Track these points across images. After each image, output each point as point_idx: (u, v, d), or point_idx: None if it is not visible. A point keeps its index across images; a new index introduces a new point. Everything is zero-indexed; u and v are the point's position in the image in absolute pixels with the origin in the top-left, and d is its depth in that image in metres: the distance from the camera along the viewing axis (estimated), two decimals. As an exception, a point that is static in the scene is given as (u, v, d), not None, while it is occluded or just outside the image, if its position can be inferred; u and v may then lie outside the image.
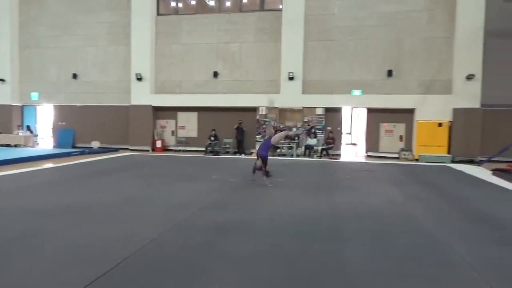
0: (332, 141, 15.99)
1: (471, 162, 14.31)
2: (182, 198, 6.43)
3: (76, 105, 19.07)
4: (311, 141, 16.10)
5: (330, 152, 15.79)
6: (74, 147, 18.36)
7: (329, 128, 16.55)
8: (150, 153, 16.94)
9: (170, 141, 18.49)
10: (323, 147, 15.82)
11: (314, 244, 4.14)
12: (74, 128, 19.07)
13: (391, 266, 3.57)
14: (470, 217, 5.53)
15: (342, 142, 17.89)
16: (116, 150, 17.40)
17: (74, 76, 18.93)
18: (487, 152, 14.10)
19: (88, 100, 18.90)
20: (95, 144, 18.10)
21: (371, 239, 4.39)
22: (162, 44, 18.15)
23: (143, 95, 17.90)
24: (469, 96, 15.01)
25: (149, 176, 9.19)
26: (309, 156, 15.78)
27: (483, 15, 14.72)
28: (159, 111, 18.42)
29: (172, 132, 18.57)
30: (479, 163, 13.65)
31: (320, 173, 10.10)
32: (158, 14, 18.24)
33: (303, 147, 16.24)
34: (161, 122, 18.60)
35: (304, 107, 16.71)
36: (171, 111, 18.32)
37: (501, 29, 14.92)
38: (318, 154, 15.76)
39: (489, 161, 13.15)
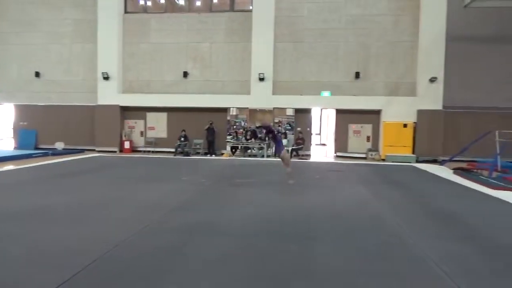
0: (302, 142, 16.18)
1: (434, 161, 14.88)
2: (151, 200, 6.31)
3: (38, 105, 18.32)
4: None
5: (300, 152, 15.97)
6: (36, 148, 17.63)
7: (299, 128, 16.74)
8: (118, 154, 16.53)
9: (139, 142, 18.12)
10: (293, 147, 15.98)
11: (285, 244, 4.17)
12: (36, 129, 18.31)
13: (359, 264, 3.64)
14: (434, 214, 5.75)
15: (311, 142, 18.15)
16: (81, 151, 16.86)
17: (37, 74, 18.19)
18: (449, 152, 14.70)
19: (51, 99, 18.20)
20: (59, 145, 17.45)
21: (340, 237, 4.47)
22: (130, 43, 17.76)
23: (110, 95, 17.44)
24: (432, 98, 15.62)
25: (117, 177, 8.96)
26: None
27: (445, 21, 15.36)
28: (127, 111, 18.01)
29: (141, 132, 18.20)
30: (441, 162, 14.21)
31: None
32: (126, 12, 17.84)
33: (273, 148, 16.33)
34: (130, 122, 18.19)
35: (274, 108, 16.83)
36: (140, 111, 17.96)
37: (461, 34, 15.63)
38: (288, 154, 15.88)
39: (450, 160, 13.71)
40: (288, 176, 8.40)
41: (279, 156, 8.51)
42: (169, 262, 3.59)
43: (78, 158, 13.36)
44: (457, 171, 11.03)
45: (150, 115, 18.10)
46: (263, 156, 15.58)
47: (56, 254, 3.74)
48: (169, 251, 3.89)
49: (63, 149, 17.22)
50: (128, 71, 17.86)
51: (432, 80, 15.48)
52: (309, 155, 16.84)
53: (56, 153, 15.55)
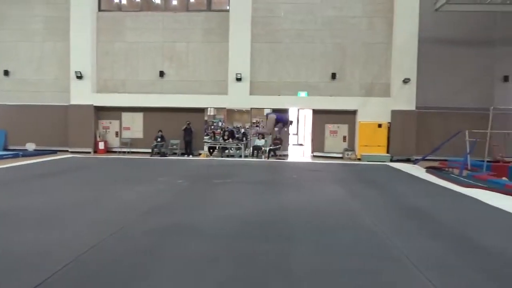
0: (280, 142, 16.27)
1: (408, 160, 15.26)
2: (126, 202, 6.19)
3: (7, 104, 17.67)
4: (259, 142, 16.26)
5: (278, 152, 16.05)
6: (6, 149, 16.99)
7: (276, 129, 16.81)
8: (92, 155, 16.16)
9: (114, 142, 17.76)
10: (271, 147, 16.05)
11: (262, 244, 4.18)
12: (6, 129, 17.65)
13: (335, 262, 3.69)
14: (407, 212, 5.89)
15: (289, 142, 18.27)
16: (54, 152, 16.37)
17: (6, 73, 17.56)
18: (422, 151, 15.12)
19: (22, 99, 17.60)
20: (30, 146, 16.88)
21: (318, 236, 4.51)
22: (104, 41, 17.39)
23: (83, 94, 17.01)
24: (405, 98, 16.02)
25: (91, 179, 8.75)
26: (257, 156, 15.94)
27: (417, 24, 15.79)
28: (102, 111, 17.62)
29: (116, 133, 17.85)
30: (414, 161, 14.59)
31: (268, 173, 10.23)
32: (100, 9, 17.47)
33: (251, 148, 16.38)
34: (104, 122, 17.81)
35: (252, 108, 16.85)
36: (115, 111, 17.61)
37: (432, 36, 16.11)
38: (266, 154, 15.96)
39: (423, 159, 14.09)
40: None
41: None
42: (145, 265, 3.53)
43: (51, 159, 12.97)
44: (430, 169, 11.35)
45: (125, 115, 17.78)
46: (240, 156, 15.58)
47: (26, 257, 3.61)
48: (145, 254, 3.82)
49: (35, 150, 16.69)
50: (102, 70, 17.49)
51: (406, 81, 15.87)
52: (286, 155, 16.95)
53: (27, 154, 15.06)
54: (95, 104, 17.20)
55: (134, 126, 17.79)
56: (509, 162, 14.02)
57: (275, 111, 16.52)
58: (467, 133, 12.47)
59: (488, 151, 13.16)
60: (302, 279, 3.29)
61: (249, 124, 16.92)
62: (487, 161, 12.50)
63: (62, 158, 13.48)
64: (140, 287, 3.08)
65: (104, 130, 17.81)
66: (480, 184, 8.83)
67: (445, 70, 16.34)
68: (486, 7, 14.72)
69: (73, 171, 10.02)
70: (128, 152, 17.05)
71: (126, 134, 17.76)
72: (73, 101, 17.05)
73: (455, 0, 13.62)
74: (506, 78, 16.34)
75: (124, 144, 17.40)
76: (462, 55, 16.27)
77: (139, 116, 17.73)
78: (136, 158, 14.52)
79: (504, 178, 10.55)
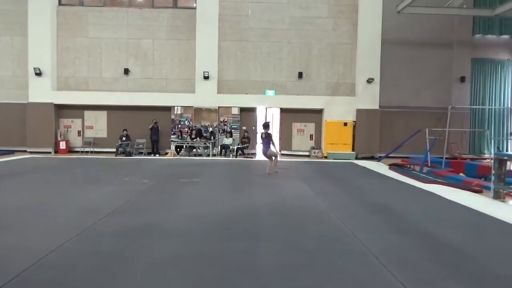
0: (248, 141, 16.28)
1: (372, 158, 15.70)
2: (89, 203, 5.98)
3: (-41, 102, 16.65)
4: (227, 141, 16.21)
5: (246, 151, 16.06)
6: (-43, 150, 16.00)
7: (244, 127, 16.83)
8: (53, 156, 15.51)
9: (76, 142, 17.13)
10: (239, 146, 16.04)
11: (229, 243, 4.17)
12: (-43, 129, 16.62)
13: (302, 259, 3.74)
14: (371, 208, 6.06)
15: (257, 141, 18.32)
16: (11, 152, 15.57)
17: (-43, 68, 16.53)
18: (385, 149, 15.59)
19: (-25, 96, 16.63)
20: (-15, 147, 15.99)
21: (284, 234, 4.56)
22: (66, 37, 16.72)
23: (43, 92, 16.27)
24: (369, 98, 16.48)
25: (51, 180, 8.40)
26: (225, 155, 15.88)
27: (380, 25, 16.27)
28: (63, 110, 16.95)
29: (79, 132, 17.22)
30: (378, 159, 15.04)
31: (236, 172, 10.22)
32: (60, 4, 16.77)
33: (219, 147, 16.30)
34: (65, 121, 17.13)
35: (219, 107, 16.76)
36: (77, 110, 16.98)
37: (395, 38, 16.66)
38: (234, 153, 15.93)
39: (386, 157, 14.55)
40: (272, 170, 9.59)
41: (266, 155, 9.71)
42: (109, 267, 3.43)
43: (8, 160, 12.33)
44: (392, 166, 11.74)
45: (88, 114, 17.19)
46: (208, 155, 15.46)
47: (-20, 265, 3.41)
48: (109, 256, 3.72)
49: (-11, 150, 15.80)
50: (63, 67, 16.82)
51: (369, 81, 16.32)
52: (254, 154, 16.99)
53: (-20, 155, 14.23)
54: (55, 102, 16.50)
55: (98, 125, 17.23)
56: (465, 158, 14.77)
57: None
58: (427, 132, 13.00)
59: (447, 149, 13.80)
60: (269, 276, 3.31)
61: (216, 122, 16.82)
62: (446, 158, 13.10)
63: (20, 158, 12.85)
64: (103, 291, 2.99)
65: (66, 129, 17.13)
66: (439, 180, 9.23)
67: (407, 71, 16.96)
68: (445, 11, 15.39)
69: (33, 172, 9.58)
70: (92, 152, 16.50)
71: (89, 133, 17.16)
72: (32, 99, 16.28)
73: (416, 3, 14.12)
74: (462, 79, 17.16)
75: (87, 143, 16.80)
76: (422, 57, 16.93)
77: (103, 114, 17.19)
78: (100, 158, 14.07)
79: (461, 174, 11.10)
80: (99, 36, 16.72)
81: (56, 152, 16.40)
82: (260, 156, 16.90)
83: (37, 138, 16.20)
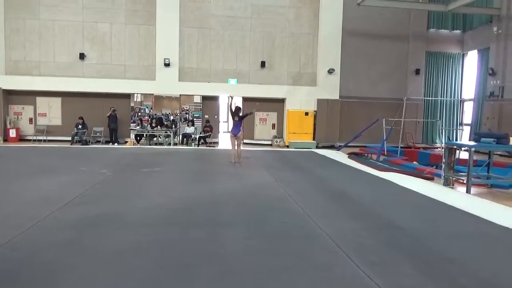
0: (210, 129, 16.17)
1: (332, 147, 16.10)
2: (43, 194, 5.72)
3: None
4: (189, 129, 16.01)
5: (208, 140, 15.95)
6: None
7: (206, 116, 16.68)
8: (2, 144, 14.63)
9: (28, 129, 16.26)
10: (201, 135, 15.89)
11: (191, 232, 4.15)
12: None
13: (263, 245, 3.80)
14: (330, 195, 6.24)
15: (219, 130, 18.23)
16: (-46, 141, 14.54)
17: None
18: (345, 138, 16.05)
19: None
20: None
21: (247, 221, 4.60)
22: (14, 18, 15.71)
23: (-11, 76, 15.26)
24: (330, 88, 16.83)
25: (1, 170, 7.93)
26: (187, 144, 15.70)
27: (341, 16, 16.57)
28: (12, 95, 16.00)
29: (30, 119, 16.34)
30: (338, 148, 15.45)
31: (198, 161, 10.12)
32: (8, -18, 15.69)
33: (180, 136, 16.07)
34: (15, 108, 16.20)
35: (181, 95, 16.48)
36: (28, 96, 16.09)
37: (355, 29, 17.05)
38: (196, 142, 15.78)
39: (346, 146, 14.98)
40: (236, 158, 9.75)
41: (235, 136, 9.71)
42: (65, 259, 3.31)
43: (-50, 149, 11.49)
44: (351, 155, 12.09)
45: (40, 100, 16.33)
46: (169, 144, 15.21)
47: None
48: (64, 247, 3.58)
49: None
50: (12, 50, 15.83)
51: (330, 71, 16.65)
52: (217, 143, 16.92)
53: None
54: (3, 88, 15.52)
55: (51, 112, 16.42)
56: (419, 148, 15.51)
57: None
58: (384, 121, 13.51)
59: (402, 138, 14.42)
60: (232, 261, 3.34)
61: (178, 111, 16.54)
62: (401, 147, 13.69)
63: (-35, 147, 12.03)
64: (61, 283, 2.88)
65: (16, 116, 16.20)
66: (394, 168, 9.64)
67: (366, 62, 17.44)
68: (401, 4, 15.92)
69: (-21, 162, 8.99)
70: (45, 141, 15.72)
71: (42, 121, 16.33)
72: (-23, 84, 15.23)
73: (375, -4, 14.52)
74: (417, 71, 17.92)
75: (39, 131, 15.98)
76: (380, 49, 17.47)
77: (57, 101, 16.39)
78: (54, 146, 13.44)
79: (415, 162, 11.66)
80: (52, 18, 15.85)
81: (5, 140, 15.49)
82: (222, 145, 16.86)
83: (-17, 125, 15.20)
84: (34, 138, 15.85)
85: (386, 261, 3.47)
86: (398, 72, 17.83)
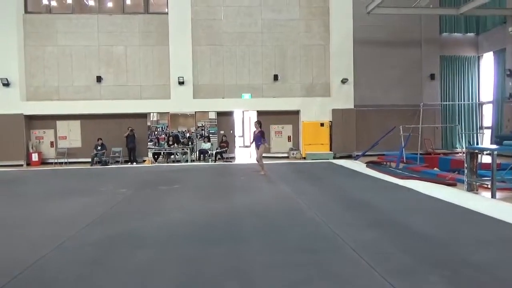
0: (226, 145, 16.25)
1: (349, 157, 15.93)
2: (66, 215, 5.82)
3: None
4: (205, 146, 16.13)
5: (224, 155, 16.01)
6: None
7: (222, 132, 16.78)
8: (25, 168, 15.01)
9: (50, 153, 16.64)
10: (217, 151, 15.97)
11: (211, 247, 4.14)
12: None
13: (284, 258, 3.75)
14: (350, 205, 6.15)
15: (235, 145, 18.30)
16: (-20, 167, 14.98)
17: None
18: (361, 147, 15.87)
19: None
20: (-49, 162, 15.30)
21: (266, 235, 4.56)
22: (34, 46, 16.26)
23: (11, 103, 15.71)
24: (344, 97, 16.75)
25: (24, 193, 8.13)
26: (204, 160, 15.79)
27: (352, 26, 16.59)
28: (34, 120, 16.46)
29: (51, 143, 16.74)
30: (355, 157, 15.29)
31: (216, 177, 10.17)
32: (26, 12, 16.30)
33: (197, 152, 16.19)
34: (37, 132, 16.63)
35: (196, 112, 16.66)
36: (49, 120, 16.51)
37: (366, 38, 17.01)
38: (213, 158, 15.86)
39: (363, 155, 14.82)
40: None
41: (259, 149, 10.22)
42: (90, 278, 3.35)
43: (-24, 175, 11.84)
44: (369, 164, 11.95)
45: (60, 124, 16.74)
46: (187, 161, 15.33)
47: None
48: (89, 266, 3.62)
49: (-44, 166, 15.14)
50: (32, 77, 16.34)
51: (344, 81, 16.60)
52: (233, 158, 16.96)
53: None
54: (25, 113, 16.00)
55: (71, 135, 16.81)
56: (439, 153, 15.21)
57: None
58: (401, 128, 13.33)
59: (420, 145, 14.18)
60: (254, 276, 3.31)
61: (194, 128, 16.71)
62: (420, 154, 13.46)
63: (-10, 172, 12.38)
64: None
65: (38, 140, 16.64)
66: (415, 175, 9.46)
67: (378, 70, 17.32)
68: (412, 11, 15.82)
69: (4, 186, 9.23)
70: (66, 163, 16.06)
71: (62, 144, 16.71)
72: (0, 111, 15.72)
73: (385, 4, 14.47)
74: (432, 76, 17.69)
75: (60, 154, 16.35)
76: (393, 55, 17.35)
77: (76, 124, 16.79)
78: (75, 168, 13.73)
79: (435, 169, 11.42)
80: (69, 44, 16.35)
81: (28, 164, 15.89)
82: (239, 159, 16.89)
83: (7, 151, 15.61)
84: (56, 161, 16.23)
85: (411, 270, 3.39)
86: (412, 78, 17.64)
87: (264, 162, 10.56)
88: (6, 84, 15.58)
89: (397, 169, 11.17)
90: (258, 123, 10.62)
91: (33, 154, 16.06)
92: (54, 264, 3.71)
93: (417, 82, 17.68)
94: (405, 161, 12.42)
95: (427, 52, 17.67)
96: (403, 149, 12.58)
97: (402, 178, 9.01)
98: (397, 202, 6.41)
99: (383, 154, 14.36)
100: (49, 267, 3.64)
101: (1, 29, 15.55)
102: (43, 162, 16.30)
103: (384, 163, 12.91)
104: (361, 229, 4.70)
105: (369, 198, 6.66)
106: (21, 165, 15.60)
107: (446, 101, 17.96)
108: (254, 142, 10.57)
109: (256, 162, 10.21)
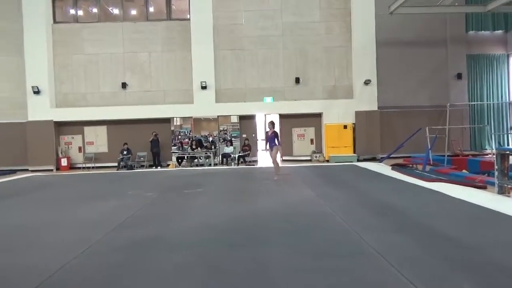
0: (248, 148, 16.29)
1: (373, 159, 15.68)
2: (94, 219, 5.97)
3: (-41, 124, 16.67)
4: (228, 149, 16.22)
5: (247, 159, 16.06)
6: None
7: (244, 135, 16.84)
8: (55, 173, 15.51)
9: (78, 158, 17.14)
10: (240, 154, 16.04)
11: (236, 252, 4.15)
12: (-42, 151, 16.62)
13: (310, 264, 3.72)
14: (375, 209, 6.04)
15: (258, 148, 18.33)
16: (13, 172, 15.57)
17: (-45, 91, 16.57)
18: (386, 149, 15.59)
19: (-26, 117, 16.67)
20: (-14, 167, 15.97)
21: (291, 239, 4.54)
22: (62, 54, 16.82)
23: (42, 110, 16.31)
24: (367, 99, 16.51)
25: (55, 197, 8.39)
26: (227, 164, 15.88)
27: (374, 26, 16.36)
28: (63, 126, 17.00)
29: (79, 148, 17.24)
30: (380, 160, 15.03)
31: (239, 180, 10.21)
32: (55, 21, 16.90)
33: (220, 156, 16.30)
34: (66, 138, 17.17)
35: (218, 116, 16.79)
36: (77, 126, 17.02)
37: (388, 38, 16.74)
38: (236, 161, 15.93)
39: (388, 157, 14.55)
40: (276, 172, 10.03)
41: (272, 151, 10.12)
42: (118, 280, 3.42)
43: (10, 180, 12.33)
44: (395, 167, 11.71)
45: (88, 129, 17.23)
46: (210, 165, 15.46)
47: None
48: (117, 269, 3.70)
49: (-9, 171, 15.79)
50: (61, 84, 16.90)
51: (367, 82, 16.37)
52: (256, 161, 16.98)
53: (-18, 176, 14.21)
54: (55, 120, 16.55)
55: (98, 140, 17.26)
56: (467, 155, 14.77)
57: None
58: (427, 130, 13.03)
59: (448, 146, 13.81)
60: (278, 282, 3.30)
61: (216, 132, 16.84)
62: (448, 156, 13.10)
63: (22, 177, 12.85)
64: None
65: (66, 146, 17.16)
66: (442, 178, 9.22)
67: (403, 70, 17.01)
68: (437, 9, 15.48)
69: (35, 190, 9.57)
70: (93, 168, 16.50)
71: (90, 149, 17.19)
72: (31, 117, 16.33)
73: (408, 3, 14.22)
74: (459, 76, 17.21)
75: (88, 159, 16.82)
76: (417, 55, 17.00)
77: (103, 129, 17.23)
78: (102, 173, 14.08)
79: (464, 171, 11.09)
80: (95, 52, 16.83)
81: (57, 169, 16.40)
82: (261, 163, 16.90)
83: (38, 156, 16.19)
84: (83, 165, 16.69)
85: (443, 276, 3.29)
86: (438, 78, 17.22)
87: (286, 165, 10.54)
88: (37, 92, 16.17)
89: (424, 171, 10.92)
90: (271, 124, 10.28)
91: (62, 159, 16.57)
92: (83, 268, 3.81)
93: (443, 82, 17.24)
94: (432, 163, 12.13)
95: (453, 51, 17.22)
96: (430, 150, 12.28)
97: (429, 180, 8.79)
98: (425, 205, 6.25)
99: (409, 156, 14.07)
100: (78, 270, 3.74)
101: (32, 39, 16.17)
102: (71, 167, 16.79)
103: (410, 165, 12.64)
104: (388, 234, 4.61)
105: (396, 202, 6.53)
106: (51, 170, 16.12)
107: (474, 101, 17.44)
108: (268, 144, 10.51)
109: (275, 165, 10.15)
